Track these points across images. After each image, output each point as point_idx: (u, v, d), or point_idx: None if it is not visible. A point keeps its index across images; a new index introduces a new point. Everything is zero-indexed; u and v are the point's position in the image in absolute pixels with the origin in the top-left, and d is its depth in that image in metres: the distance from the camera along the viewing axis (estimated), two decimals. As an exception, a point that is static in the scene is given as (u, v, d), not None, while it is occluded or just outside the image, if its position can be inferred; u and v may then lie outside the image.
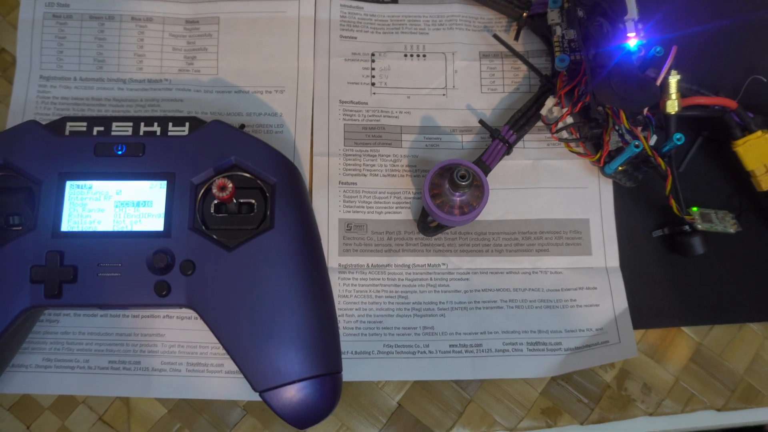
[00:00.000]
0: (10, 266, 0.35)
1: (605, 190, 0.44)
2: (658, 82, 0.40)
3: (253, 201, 0.37)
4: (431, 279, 0.42)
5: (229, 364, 0.40)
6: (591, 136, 0.42)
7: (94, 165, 0.37)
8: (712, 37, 0.47)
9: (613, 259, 0.43)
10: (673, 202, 0.41)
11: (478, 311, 0.42)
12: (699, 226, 0.41)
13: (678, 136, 0.39)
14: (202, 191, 0.37)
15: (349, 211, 0.43)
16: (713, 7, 0.48)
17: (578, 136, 0.42)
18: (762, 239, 0.44)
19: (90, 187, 0.37)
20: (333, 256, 0.42)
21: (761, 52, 0.47)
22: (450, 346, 0.41)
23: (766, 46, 0.47)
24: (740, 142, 0.42)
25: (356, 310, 0.41)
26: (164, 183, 0.37)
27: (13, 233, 0.36)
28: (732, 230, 0.41)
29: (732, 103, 0.41)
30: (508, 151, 0.43)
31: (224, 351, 0.36)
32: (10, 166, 0.37)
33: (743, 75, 0.44)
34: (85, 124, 0.38)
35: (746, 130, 0.42)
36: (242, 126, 0.43)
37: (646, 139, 0.40)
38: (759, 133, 0.41)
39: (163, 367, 0.40)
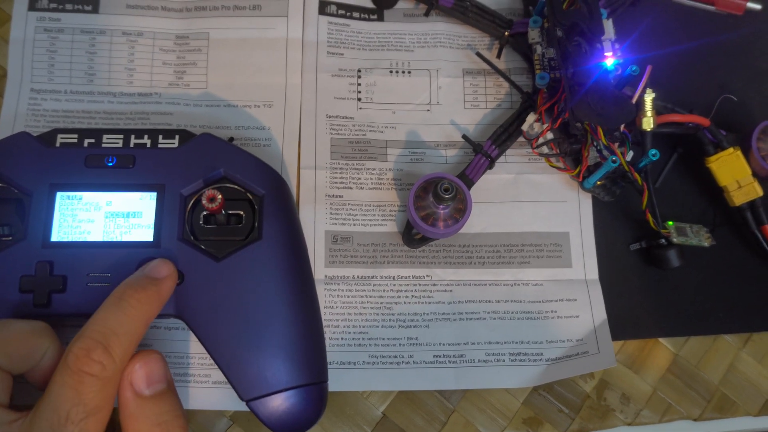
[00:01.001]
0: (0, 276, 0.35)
1: (584, 204, 0.45)
2: (634, 100, 0.41)
3: (242, 212, 0.38)
4: (416, 290, 0.43)
5: (216, 375, 0.40)
6: (570, 152, 0.43)
7: (85, 176, 0.37)
8: (686, 57, 0.49)
9: (593, 272, 0.44)
10: (649, 216, 0.42)
11: (462, 322, 0.43)
12: (674, 240, 0.42)
13: (653, 152, 0.41)
14: (192, 202, 0.38)
15: (336, 224, 0.44)
16: (687, 28, 0.50)
17: (558, 151, 0.43)
18: (735, 253, 0.45)
19: (80, 198, 0.37)
20: (319, 268, 0.43)
21: (732, 72, 0.49)
22: (434, 356, 0.42)
23: (736, 66, 0.49)
24: (713, 158, 0.43)
25: (342, 320, 0.42)
26: (154, 194, 0.37)
27: (2, 243, 0.36)
28: (706, 244, 0.42)
29: (705, 121, 0.43)
30: (491, 166, 0.44)
31: (211, 361, 0.36)
32: (0, 177, 0.37)
33: (715, 93, 0.46)
34: (76, 136, 0.38)
35: (719, 147, 0.43)
36: (231, 139, 0.44)
37: (623, 154, 0.41)
38: (731, 150, 0.43)
39: (150, 377, 0.40)
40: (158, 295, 0.33)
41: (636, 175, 0.41)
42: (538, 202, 0.45)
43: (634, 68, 0.40)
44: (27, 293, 0.35)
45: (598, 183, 0.43)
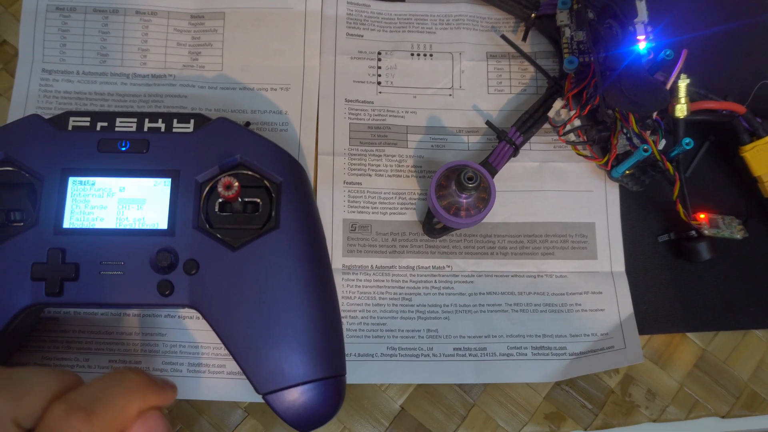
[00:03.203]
0: (11, 263, 0.34)
1: (611, 194, 0.44)
2: (668, 86, 0.39)
3: (259, 200, 0.37)
4: (435, 281, 0.42)
5: (231, 365, 0.39)
6: (598, 139, 0.41)
7: (98, 161, 0.36)
8: (721, 41, 0.47)
9: (619, 264, 0.43)
10: (680, 207, 0.40)
11: (483, 314, 0.41)
12: (706, 232, 0.41)
13: (687, 140, 0.39)
14: (207, 189, 0.37)
15: (354, 212, 0.43)
16: (722, 10, 0.47)
17: (586, 138, 0.42)
18: (768, 245, 0.44)
19: (93, 184, 0.36)
20: (337, 257, 0.42)
21: (769, 57, 0.47)
22: (454, 349, 0.41)
23: (776, 51, 0.47)
24: (748, 147, 0.41)
25: (360, 311, 0.41)
26: (168, 180, 0.36)
27: (14, 229, 0.35)
28: (739, 236, 0.41)
29: (741, 108, 0.41)
30: (515, 153, 0.43)
31: (226, 352, 0.35)
32: (11, 161, 0.36)
33: (752, 79, 0.44)
34: (88, 119, 0.37)
35: (754, 136, 0.41)
36: (247, 123, 0.42)
37: (655, 143, 0.39)
38: (767, 138, 0.41)
39: (164, 367, 0.39)
40: (160, 390, 0.31)
41: (668, 164, 0.39)
42: (564, 192, 0.44)
43: (668, 52, 0.38)
44: (39, 281, 0.34)
45: (627, 172, 0.42)
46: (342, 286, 0.41)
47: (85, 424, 0.26)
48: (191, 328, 0.40)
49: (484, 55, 0.46)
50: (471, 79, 0.46)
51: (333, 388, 0.35)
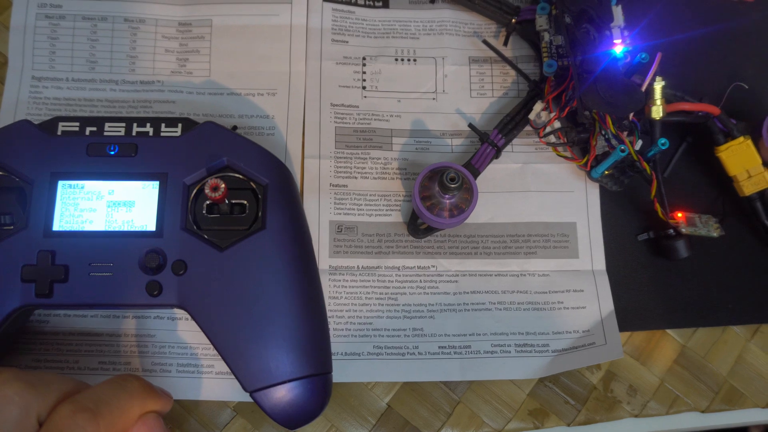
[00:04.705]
0: (1, 265, 0.35)
1: (592, 194, 0.45)
2: (644, 88, 0.40)
3: (245, 202, 0.38)
4: (421, 281, 0.43)
5: (220, 365, 0.40)
6: (578, 141, 0.42)
7: (87, 165, 0.37)
8: (696, 44, 0.48)
9: (600, 262, 0.44)
10: (658, 206, 0.41)
11: (467, 313, 0.42)
12: (683, 230, 0.42)
13: (663, 140, 0.40)
14: (195, 192, 0.37)
15: (340, 213, 0.44)
16: (697, 14, 0.49)
17: (566, 140, 0.43)
18: (744, 243, 0.45)
19: (82, 187, 0.37)
20: (323, 258, 0.42)
21: (743, 60, 0.48)
22: (439, 347, 0.41)
23: (748, 53, 0.48)
24: (723, 147, 0.42)
25: (346, 311, 0.42)
26: (157, 183, 0.37)
27: (4, 232, 0.36)
28: (715, 234, 0.42)
29: (715, 110, 0.42)
30: (497, 155, 0.44)
31: (214, 352, 0.36)
32: (1, 166, 0.37)
33: (726, 81, 0.45)
34: (77, 124, 0.38)
35: (729, 136, 0.43)
36: (234, 128, 0.43)
37: (632, 143, 0.40)
38: (741, 139, 0.42)
39: (153, 367, 0.40)
40: (158, 397, 0.33)
41: (645, 164, 0.40)
42: (545, 192, 0.45)
43: (643, 56, 0.39)
44: (29, 283, 0.35)
45: (606, 172, 0.43)
46: (329, 286, 0.42)
47: (90, 423, 0.28)
48: (180, 329, 0.40)
49: (467, 60, 0.48)
50: (454, 83, 0.47)
51: (319, 386, 0.36)
